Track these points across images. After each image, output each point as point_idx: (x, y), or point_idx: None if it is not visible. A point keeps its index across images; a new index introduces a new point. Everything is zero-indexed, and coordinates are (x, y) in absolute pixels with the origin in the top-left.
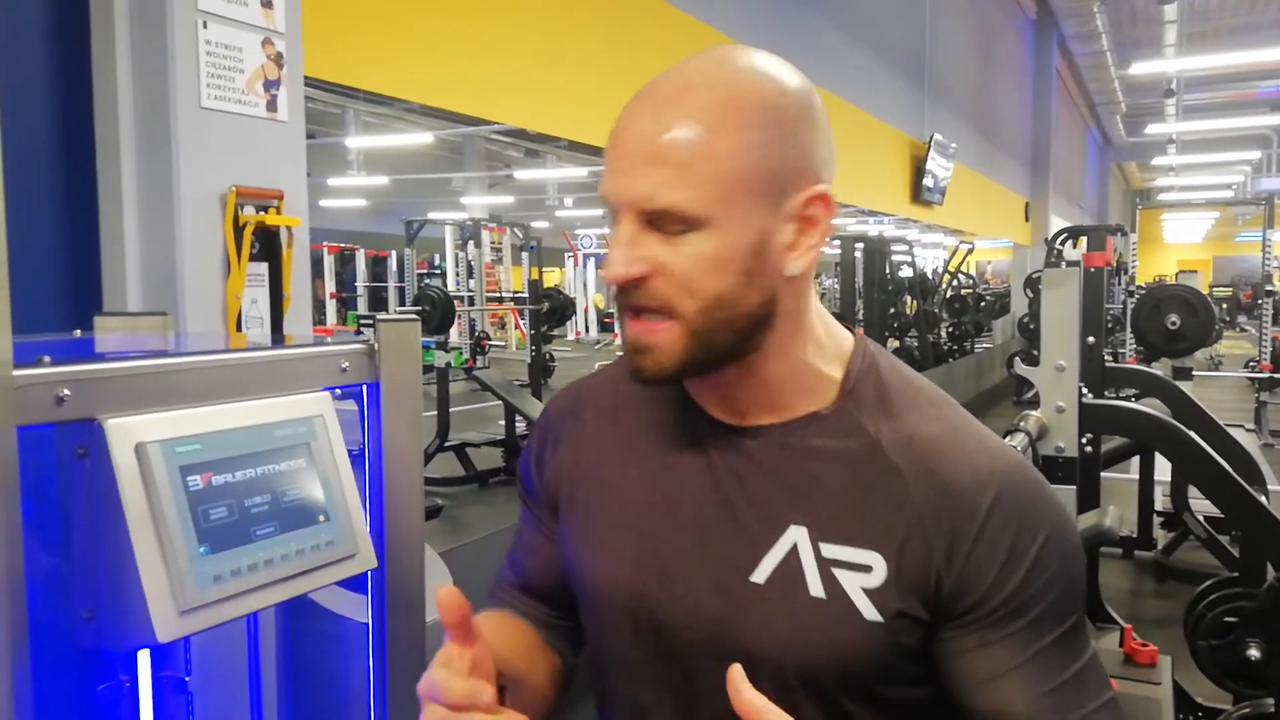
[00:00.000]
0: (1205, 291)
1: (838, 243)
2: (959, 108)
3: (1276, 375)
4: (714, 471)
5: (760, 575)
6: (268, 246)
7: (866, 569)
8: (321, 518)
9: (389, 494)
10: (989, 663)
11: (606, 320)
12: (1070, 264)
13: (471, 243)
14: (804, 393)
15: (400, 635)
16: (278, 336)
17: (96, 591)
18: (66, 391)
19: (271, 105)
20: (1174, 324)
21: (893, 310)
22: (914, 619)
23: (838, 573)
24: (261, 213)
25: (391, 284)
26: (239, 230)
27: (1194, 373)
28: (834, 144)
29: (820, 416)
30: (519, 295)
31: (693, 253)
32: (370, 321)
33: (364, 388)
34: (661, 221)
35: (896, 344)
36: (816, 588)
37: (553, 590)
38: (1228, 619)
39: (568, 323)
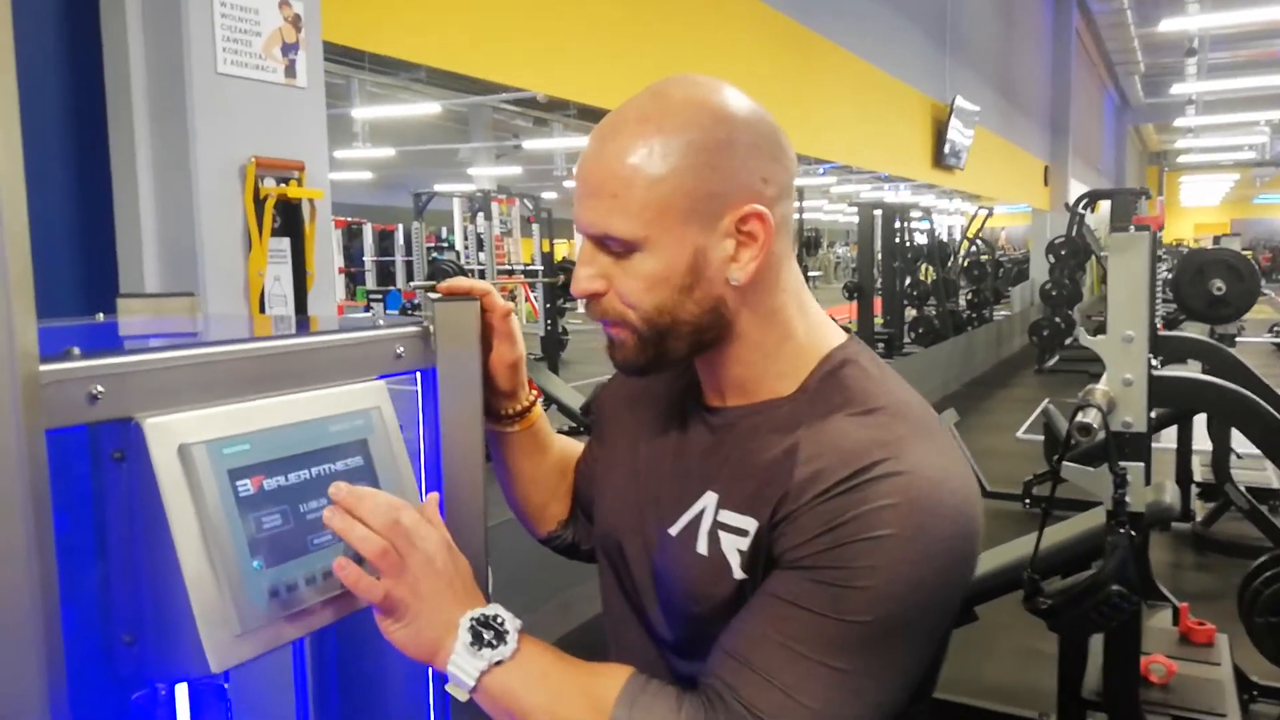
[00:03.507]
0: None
1: (855, 209)
2: (980, 68)
3: None
4: (686, 441)
5: (675, 529)
6: (290, 220)
7: (744, 533)
8: None
9: (448, 491)
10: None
11: None
12: (1139, 228)
13: (481, 215)
14: (769, 384)
15: None
16: (303, 317)
17: (138, 613)
18: (100, 388)
19: (290, 71)
20: (1219, 290)
21: (910, 280)
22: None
23: (722, 535)
24: (282, 185)
25: (399, 258)
26: (260, 204)
27: (1237, 339)
28: (786, 163)
29: (774, 404)
30: (529, 268)
31: (634, 271)
32: (379, 296)
33: (418, 375)
34: (607, 244)
35: (915, 313)
36: (703, 547)
37: (578, 484)
38: None
39: None
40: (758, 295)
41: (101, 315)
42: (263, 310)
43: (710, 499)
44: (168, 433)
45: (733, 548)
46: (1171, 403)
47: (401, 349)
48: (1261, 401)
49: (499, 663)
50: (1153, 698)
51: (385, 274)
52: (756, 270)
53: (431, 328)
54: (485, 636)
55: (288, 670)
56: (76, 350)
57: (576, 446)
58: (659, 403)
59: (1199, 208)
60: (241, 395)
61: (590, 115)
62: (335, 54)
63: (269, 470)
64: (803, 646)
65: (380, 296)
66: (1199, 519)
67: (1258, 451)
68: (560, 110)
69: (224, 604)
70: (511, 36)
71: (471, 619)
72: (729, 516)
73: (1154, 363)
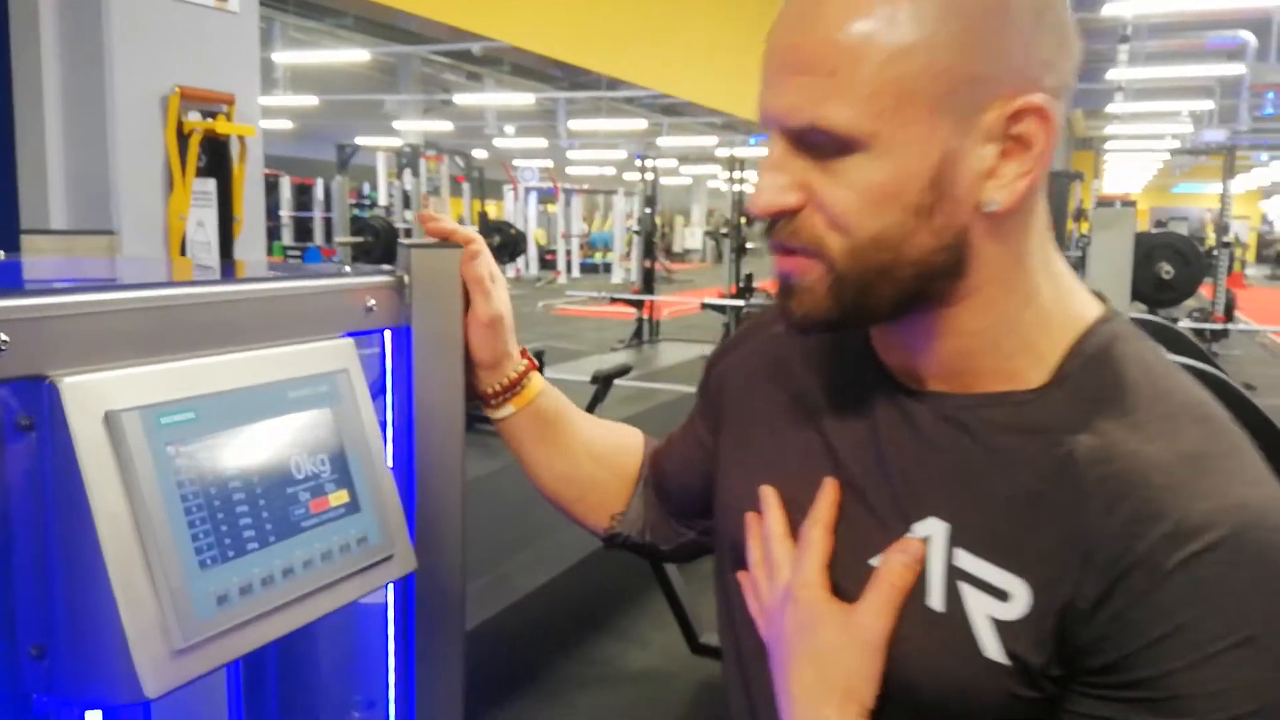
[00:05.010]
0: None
1: None
2: None
3: (1229, 327)
4: (875, 433)
5: (879, 560)
6: (216, 159)
7: (1003, 596)
8: (351, 509)
9: (423, 471)
10: None
11: (548, 257)
12: (1125, 204)
13: (409, 171)
14: (1001, 364)
15: (434, 651)
16: (228, 263)
17: (49, 620)
18: (3, 338)
19: None
20: (1168, 274)
21: None
22: (1046, 672)
23: (966, 589)
24: (209, 119)
25: (318, 213)
26: (183, 139)
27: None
28: (1072, 49)
29: (1013, 399)
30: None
31: (851, 181)
32: (297, 253)
33: (386, 334)
34: (813, 142)
35: None
36: (936, 599)
37: (667, 473)
38: None
39: (517, 260)
40: (1008, 233)
41: (2, 253)
42: (184, 256)
43: (937, 528)
44: (91, 396)
45: (983, 613)
46: None
47: (373, 302)
48: (1244, 392)
49: None
50: None
51: (303, 230)
52: (1024, 191)
53: (406, 278)
54: None
55: (219, 679)
56: None
57: (609, 425)
58: (818, 377)
59: (1119, 195)
60: (182, 351)
61: (525, 73)
62: None
63: (217, 445)
64: None
65: (298, 253)
66: None
67: None
68: (494, 65)
69: (161, 612)
70: None
71: None
72: (975, 565)
73: None
